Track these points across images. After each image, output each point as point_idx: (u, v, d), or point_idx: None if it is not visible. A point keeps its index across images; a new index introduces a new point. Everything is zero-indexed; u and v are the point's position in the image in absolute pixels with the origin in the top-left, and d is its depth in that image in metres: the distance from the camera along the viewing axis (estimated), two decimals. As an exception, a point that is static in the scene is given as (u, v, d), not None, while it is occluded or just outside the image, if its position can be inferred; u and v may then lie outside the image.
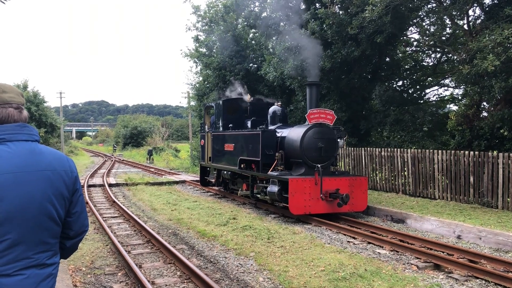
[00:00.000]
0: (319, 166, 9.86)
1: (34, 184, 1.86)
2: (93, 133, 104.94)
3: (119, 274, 6.21)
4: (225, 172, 13.53)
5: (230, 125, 13.42)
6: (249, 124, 13.03)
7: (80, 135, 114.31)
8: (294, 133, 10.73)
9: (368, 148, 14.45)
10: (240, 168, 12.10)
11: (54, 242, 1.96)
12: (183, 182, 18.32)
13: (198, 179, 16.92)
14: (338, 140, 10.87)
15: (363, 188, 10.38)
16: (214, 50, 23.47)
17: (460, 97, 17.13)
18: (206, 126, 15.57)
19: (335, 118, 10.76)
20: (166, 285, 5.71)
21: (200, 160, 16.87)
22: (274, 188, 10.11)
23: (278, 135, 11.32)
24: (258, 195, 11.28)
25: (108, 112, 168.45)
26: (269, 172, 10.64)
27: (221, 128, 13.92)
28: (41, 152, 1.95)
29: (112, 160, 35.49)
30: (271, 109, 12.52)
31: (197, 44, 24.64)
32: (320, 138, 10.36)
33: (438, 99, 18.91)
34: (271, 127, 11.99)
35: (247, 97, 13.90)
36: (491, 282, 5.84)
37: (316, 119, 10.44)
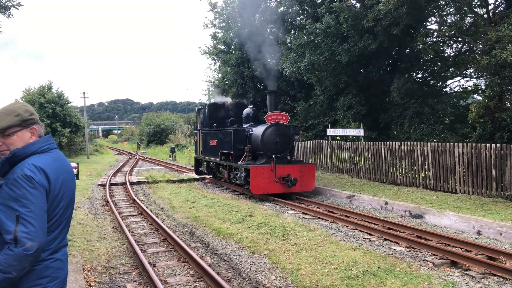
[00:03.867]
0: (273, 156, 12.56)
1: (72, 182, 2.40)
2: (119, 131, 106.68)
3: (134, 273, 6.31)
4: (211, 163, 16.66)
5: (215, 124, 16.22)
6: (228, 123, 15.64)
7: (106, 133, 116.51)
8: (257, 131, 13.37)
9: (388, 142, 14.20)
10: (220, 159, 15.00)
11: None
12: (203, 179, 18.46)
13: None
14: (296, 136, 14.04)
15: (311, 173, 12.96)
16: (232, 47, 23.49)
17: (483, 87, 16.62)
18: (198, 125, 18.24)
19: (289, 118, 13.70)
20: (178, 284, 5.77)
21: (195, 153, 19.85)
22: (242, 175, 12.92)
23: (248, 132, 13.94)
24: (235, 180, 14.02)
25: (133, 110, 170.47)
26: (239, 162, 13.40)
27: (208, 127, 16.60)
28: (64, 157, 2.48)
29: (136, 158, 36.00)
30: (245, 111, 15.35)
31: (215, 41, 24.72)
32: (276, 134, 12.89)
33: (461, 90, 18.37)
34: (244, 126, 14.72)
35: (229, 101, 16.85)
36: (509, 279, 5.69)
37: (273, 120, 13.09)
